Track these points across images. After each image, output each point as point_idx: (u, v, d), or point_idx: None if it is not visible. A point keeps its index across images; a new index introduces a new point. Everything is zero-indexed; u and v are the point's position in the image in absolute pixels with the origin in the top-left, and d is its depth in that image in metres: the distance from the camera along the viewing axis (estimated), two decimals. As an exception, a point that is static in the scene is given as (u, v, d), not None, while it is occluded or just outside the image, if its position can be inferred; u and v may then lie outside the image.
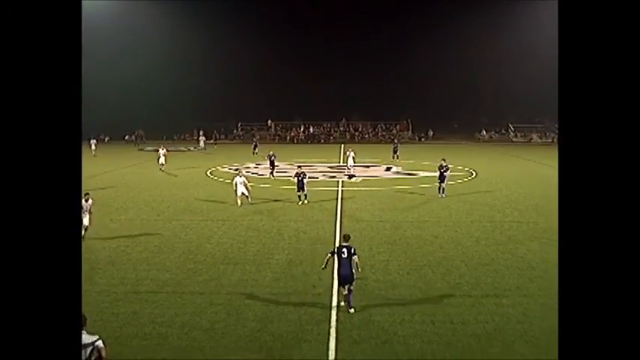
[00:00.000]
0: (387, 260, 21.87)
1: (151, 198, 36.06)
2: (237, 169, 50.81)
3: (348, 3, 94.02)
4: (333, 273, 20.21)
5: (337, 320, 16.13)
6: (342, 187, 40.67)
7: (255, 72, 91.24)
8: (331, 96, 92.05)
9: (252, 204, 32.71)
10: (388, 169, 51.62)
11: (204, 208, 31.59)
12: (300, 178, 33.50)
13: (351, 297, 16.62)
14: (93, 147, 65.46)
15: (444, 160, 36.33)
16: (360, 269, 17.25)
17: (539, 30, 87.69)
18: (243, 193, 32.81)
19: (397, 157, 57.83)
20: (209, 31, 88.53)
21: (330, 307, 17.06)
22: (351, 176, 46.86)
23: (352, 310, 16.47)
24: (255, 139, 72.88)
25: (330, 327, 15.65)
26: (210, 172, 49.04)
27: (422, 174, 48.47)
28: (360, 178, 45.72)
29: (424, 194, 37.86)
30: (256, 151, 65.81)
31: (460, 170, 50.83)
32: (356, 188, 40.54)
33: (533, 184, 42.74)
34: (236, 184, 32.87)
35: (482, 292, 18.49)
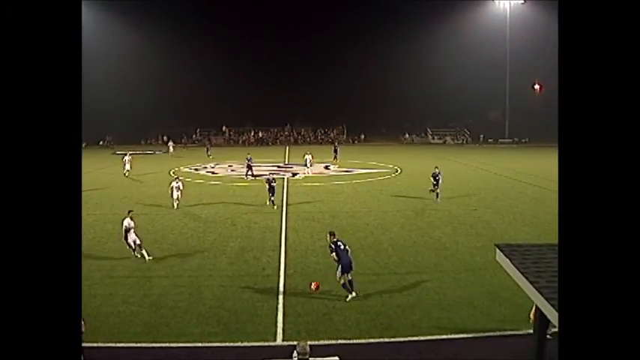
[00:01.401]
0: (326, 245, 21.93)
1: (122, 195, 35.47)
2: (196, 169, 50.49)
3: (283, 19, 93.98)
4: (279, 257, 20.38)
5: (284, 297, 16.26)
6: (288, 183, 40.69)
7: (209, 81, 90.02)
8: (277, 104, 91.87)
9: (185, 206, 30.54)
10: (327, 167, 51.81)
11: (168, 203, 31.28)
12: (270, 184, 30.90)
13: (353, 283, 16.27)
14: None
15: (437, 167, 33.83)
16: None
17: (457, 40, 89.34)
18: (177, 197, 30.38)
19: (336, 158, 57.62)
20: (167, 44, 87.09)
21: (278, 287, 17.18)
22: (294, 174, 46.87)
23: (354, 294, 16.02)
24: (207, 144, 72.17)
25: (277, 303, 15.77)
26: (173, 172, 48.41)
27: (356, 171, 48.78)
28: (303, 175, 45.80)
29: (357, 189, 38.18)
30: (209, 153, 64.32)
31: (388, 168, 51.39)
32: (299, 184, 40.60)
33: (447, 178, 43.36)
34: (172, 189, 30.61)
35: (406, 270, 18.84)
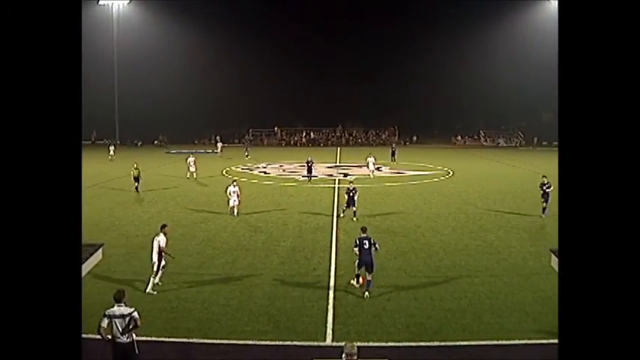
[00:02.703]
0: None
1: (176, 193, 36.09)
2: (249, 169, 50.95)
3: (336, 22, 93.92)
4: (330, 258, 20.39)
5: (334, 298, 16.25)
6: (339, 184, 40.69)
7: (263, 82, 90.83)
8: (329, 105, 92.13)
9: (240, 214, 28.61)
10: (378, 168, 51.59)
11: (220, 202, 31.67)
12: (351, 195, 27.87)
13: (371, 284, 16.45)
14: (111, 152, 60.14)
15: (545, 177, 29.40)
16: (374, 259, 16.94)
17: (510, 41, 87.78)
18: (235, 204, 28.13)
19: (395, 160, 57.09)
20: (222, 44, 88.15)
21: (328, 287, 17.18)
22: (345, 174, 46.83)
23: (367, 294, 16.18)
24: (246, 144, 71.72)
25: (328, 304, 15.77)
26: (226, 172, 49.01)
27: (408, 173, 48.45)
28: (354, 177, 45.72)
29: (408, 191, 37.92)
30: (247, 153, 63.70)
31: (440, 170, 50.89)
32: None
33: (500, 181, 42.83)
34: (229, 194, 28.42)
35: (457, 274, 18.59)
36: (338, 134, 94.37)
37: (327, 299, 16.12)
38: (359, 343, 9.79)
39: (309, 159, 43.79)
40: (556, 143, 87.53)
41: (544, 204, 28.32)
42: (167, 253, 17.18)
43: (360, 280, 16.81)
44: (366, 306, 15.58)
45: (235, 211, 28.22)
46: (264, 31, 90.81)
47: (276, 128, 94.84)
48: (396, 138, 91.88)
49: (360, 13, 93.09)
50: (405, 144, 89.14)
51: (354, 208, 27.64)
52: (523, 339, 13.57)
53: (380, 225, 26.06)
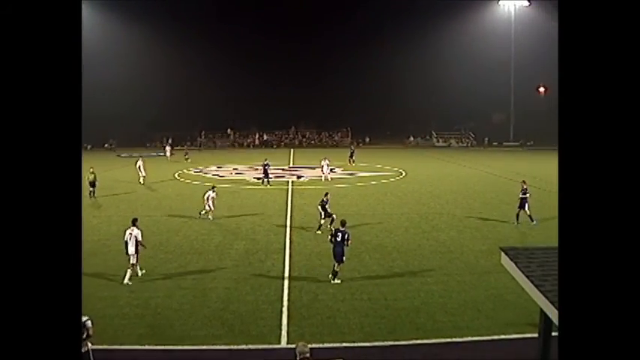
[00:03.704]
0: (330, 248, 21.96)
1: (127, 197, 35.52)
2: (201, 172, 50.44)
3: (289, 23, 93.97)
4: (284, 260, 20.37)
5: (289, 300, 16.26)
6: (292, 185, 40.69)
7: (214, 84, 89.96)
8: (282, 107, 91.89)
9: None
10: (332, 170, 51.73)
11: (173, 205, 31.29)
12: (324, 206, 25.79)
13: (337, 275, 17.73)
14: None
15: (524, 182, 27.93)
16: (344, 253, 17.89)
17: (461, 43, 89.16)
18: (211, 207, 27.93)
19: (353, 161, 57.06)
20: (172, 46, 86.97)
21: (283, 289, 17.17)
22: (299, 176, 46.86)
23: (337, 281, 17.60)
24: (186, 147, 67.88)
25: (282, 306, 15.78)
26: (178, 175, 48.46)
27: (361, 174, 48.74)
28: (307, 178, 45.80)
29: (361, 192, 38.18)
30: (187, 157, 62.11)
31: (393, 171, 51.38)
32: (303, 187, 40.61)
33: (452, 181, 43.46)
34: (207, 198, 28.04)
35: (411, 273, 18.82)
36: (291, 136, 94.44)
37: (282, 301, 16.11)
38: (313, 345, 9.82)
39: (266, 161, 43.49)
40: (506, 143, 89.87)
41: (520, 210, 26.92)
42: (143, 245, 18.37)
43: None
44: (321, 307, 15.63)
45: (210, 216, 27.92)
46: (216, 32, 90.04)
47: (229, 130, 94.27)
48: (349, 139, 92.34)
49: (312, 15, 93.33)
50: (358, 145, 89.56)
51: (330, 219, 25.18)
52: (475, 336, 13.82)
53: (335, 226, 26.11)
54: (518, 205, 27.15)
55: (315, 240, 23.34)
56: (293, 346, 12.55)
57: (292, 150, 79.72)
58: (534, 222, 26.48)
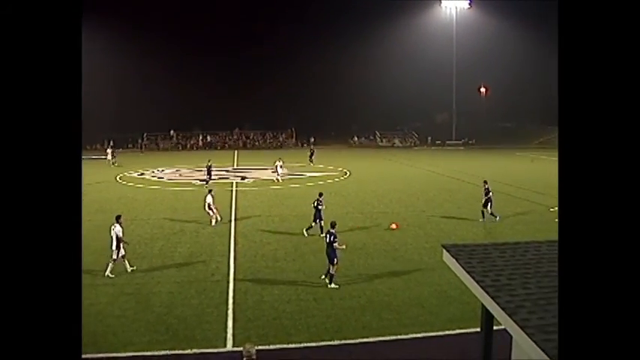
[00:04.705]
0: (275, 249, 22.02)
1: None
2: (142, 175, 49.57)
3: (231, 24, 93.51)
4: (229, 262, 20.24)
5: (234, 302, 16.17)
6: (236, 187, 40.44)
7: (156, 86, 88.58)
8: (226, 108, 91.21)
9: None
10: (275, 171, 51.65)
11: (114, 209, 30.63)
12: (318, 207, 25.05)
13: (334, 276, 17.51)
14: None
15: (486, 182, 28.70)
16: (337, 255, 17.82)
17: (404, 44, 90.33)
18: (213, 211, 27.55)
19: (312, 161, 57.13)
20: (113, 47, 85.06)
21: (228, 292, 17.06)
22: (243, 177, 46.63)
23: (333, 285, 17.37)
24: (111, 151, 62.33)
25: (227, 309, 15.67)
26: (120, 178, 47.48)
27: (306, 174, 48.79)
28: (252, 180, 45.62)
29: (306, 192, 38.23)
30: (114, 161, 59.14)
31: (337, 171, 51.66)
32: (248, 188, 40.43)
33: (396, 181, 43.99)
34: (207, 204, 27.56)
35: (356, 272, 18.96)
36: (235, 137, 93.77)
37: (227, 304, 16.01)
38: (260, 347, 9.79)
39: (209, 162, 43.14)
40: (449, 142, 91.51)
41: (484, 207, 27.65)
42: (124, 241, 19.34)
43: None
44: (266, 309, 15.60)
45: (214, 221, 27.26)
46: (157, 31, 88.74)
47: (171, 132, 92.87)
48: (294, 140, 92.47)
49: (255, 15, 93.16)
50: (302, 146, 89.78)
51: (322, 223, 24.21)
52: (421, 332, 14.04)
53: (278, 227, 26.18)
54: (482, 203, 27.92)
55: (260, 242, 23.27)
56: (239, 349, 12.58)
57: (236, 151, 79.20)
58: (497, 218, 27.32)
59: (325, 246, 17.96)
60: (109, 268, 18.82)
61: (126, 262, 19.38)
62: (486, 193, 27.77)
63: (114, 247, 19.06)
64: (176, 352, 13.12)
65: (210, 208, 27.44)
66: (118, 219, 19.73)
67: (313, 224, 24.56)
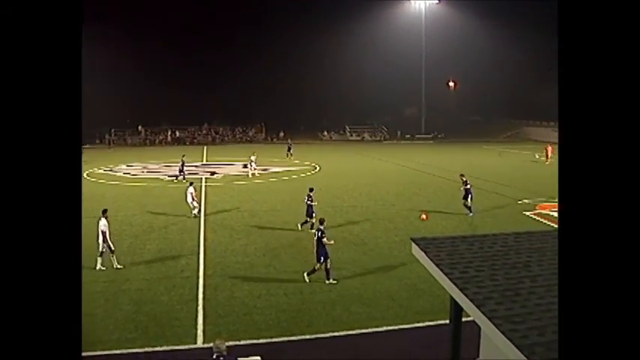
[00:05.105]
0: (245, 245, 21.97)
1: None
2: (111, 170, 48.97)
3: (201, 19, 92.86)
4: (198, 259, 20.14)
5: (204, 299, 16.10)
6: (206, 183, 40.18)
7: (124, 82, 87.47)
8: (194, 103, 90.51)
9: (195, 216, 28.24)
10: (245, 166, 51.44)
11: (83, 206, 30.13)
12: (309, 204, 24.70)
13: (330, 272, 17.31)
14: None
15: (463, 175, 29.22)
16: (328, 250, 17.61)
17: (373, 39, 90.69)
18: (195, 202, 28.10)
19: (291, 155, 57.44)
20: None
21: (197, 288, 16.97)
22: (213, 173, 46.36)
23: (332, 281, 17.18)
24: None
25: (197, 305, 15.60)
26: (88, 175, 46.79)
27: (275, 169, 48.67)
28: (221, 175, 45.38)
29: (276, 187, 38.21)
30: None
31: (307, 165, 51.66)
32: (217, 184, 40.20)
33: (366, 175, 44.15)
34: (189, 195, 27.98)
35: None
36: (204, 132, 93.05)
37: (197, 301, 15.93)
38: (231, 343, 9.77)
39: (184, 157, 42.99)
40: (418, 136, 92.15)
41: (464, 200, 27.74)
42: (108, 239, 19.17)
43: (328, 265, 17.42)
44: (237, 305, 15.56)
45: (195, 211, 27.91)
46: (124, 25, 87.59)
47: (140, 127, 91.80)
48: (263, 135, 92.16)
49: (225, 10, 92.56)
50: (272, 140, 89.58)
51: (313, 220, 23.66)
52: (391, 325, 14.14)
53: (248, 222, 26.09)
54: (462, 197, 28.04)
55: (230, 237, 23.18)
56: (209, 345, 12.53)
57: (205, 147, 78.66)
58: (471, 214, 27.36)
59: (315, 243, 17.77)
60: (98, 262, 18.93)
61: (114, 257, 19.29)
62: (465, 186, 27.93)
63: (101, 241, 19.05)
64: (146, 349, 13.03)
65: (193, 199, 27.89)
66: (104, 213, 19.62)
67: (308, 219, 24.28)
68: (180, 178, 40.71)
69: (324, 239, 17.49)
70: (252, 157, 45.07)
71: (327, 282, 17.17)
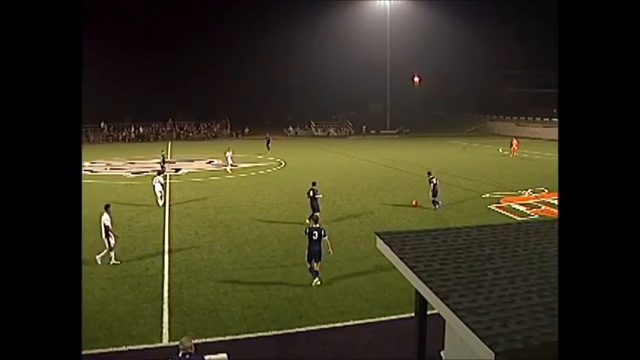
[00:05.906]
0: (211, 241, 21.84)
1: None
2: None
3: (166, 15, 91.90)
4: (163, 256, 19.96)
5: (169, 297, 15.96)
6: (169, 179, 39.80)
7: (84, 77, 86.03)
8: (158, 99, 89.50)
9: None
10: (210, 162, 51.18)
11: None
12: (314, 197, 25.09)
13: (319, 273, 16.93)
14: None
15: (430, 172, 29.33)
16: (330, 250, 17.37)
17: (339, 35, 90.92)
18: (162, 193, 29.73)
19: (269, 149, 58.59)
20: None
21: (163, 286, 16.81)
22: (177, 169, 45.96)
23: (318, 282, 16.77)
24: None
25: (162, 303, 15.45)
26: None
27: (240, 165, 48.43)
28: (186, 171, 45.01)
29: (241, 183, 38.05)
30: None
31: (272, 161, 51.56)
32: (181, 180, 39.87)
33: (331, 170, 44.25)
34: (156, 185, 29.42)
35: (292, 262, 19.02)
36: (168, 128, 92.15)
37: (162, 299, 15.78)
38: (197, 340, 9.71)
39: (163, 152, 43.78)
40: (383, 131, 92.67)
41: (434, 197, 27.99)
42: (112, 232, 19.20)
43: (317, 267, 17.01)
44: (202, 302, 15.46)
45: (161, 202, 29.33)
46: (84, 22, 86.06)
47: (102, 123, 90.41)
48: (228, 130, 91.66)
49: (189, 6, 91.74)
50: (237, 136, 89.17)
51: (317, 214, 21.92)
52: (357, 319, 14.22)
53: (213, 219, 25.94)
54: (431, 195, 28.20)
55: (195, 234, 23.02)
56: (175, 343, 12.44)
57: (170, 143, 77.92)
58: (436, 207, 27.66)
59: (308, 244, 17.05)
60: (107, 255, 19.16)
61: (112, 253, 19.24)
62: (433, 184, 28.16)
63: (104, 236, 19.10)
64: (111, 349, 12.86)
65: (161, 189, 29.20)
66: (107, 208, 19.65)
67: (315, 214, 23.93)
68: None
69: (326, 237, 17.15)
70: (228, 154, 44.99)
71: (313, 283, 16.84)
